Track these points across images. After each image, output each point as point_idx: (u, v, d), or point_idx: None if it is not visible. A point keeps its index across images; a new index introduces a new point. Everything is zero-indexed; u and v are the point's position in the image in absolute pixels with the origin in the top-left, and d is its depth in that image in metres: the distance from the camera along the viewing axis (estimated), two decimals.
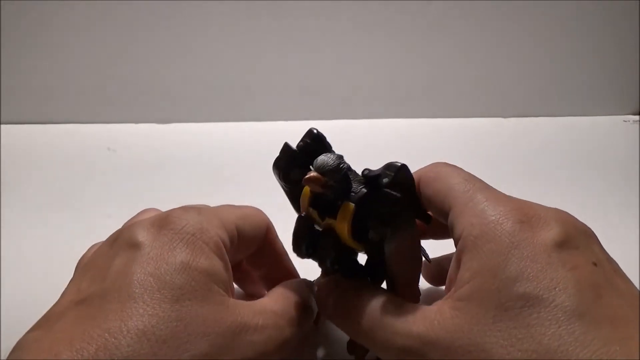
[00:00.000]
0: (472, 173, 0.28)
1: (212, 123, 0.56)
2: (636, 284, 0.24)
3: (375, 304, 0.26)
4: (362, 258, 0.29)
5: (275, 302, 0.28)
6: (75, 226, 0.44)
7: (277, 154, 0.29)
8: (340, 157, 0.26)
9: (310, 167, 0.26)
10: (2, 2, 0.51)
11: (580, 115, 0.58)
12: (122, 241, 0.25)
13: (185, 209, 0.27)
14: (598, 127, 0.57)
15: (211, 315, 0.23)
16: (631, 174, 0.51)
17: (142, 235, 0.25)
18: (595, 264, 0.23)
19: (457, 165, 0.29)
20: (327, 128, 0.59)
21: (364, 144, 0.54)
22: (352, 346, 0.31)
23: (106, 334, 0.21)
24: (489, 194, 0.26)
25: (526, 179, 0.50)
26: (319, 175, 0.25)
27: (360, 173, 0.27)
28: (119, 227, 0.28)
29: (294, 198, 0.29)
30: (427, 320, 0.24)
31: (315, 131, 0.28)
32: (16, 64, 0.54)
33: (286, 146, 0.29)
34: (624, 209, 0.46)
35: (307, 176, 0.25)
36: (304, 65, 0.56)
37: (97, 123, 0.56)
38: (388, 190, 0.25)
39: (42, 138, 0.54)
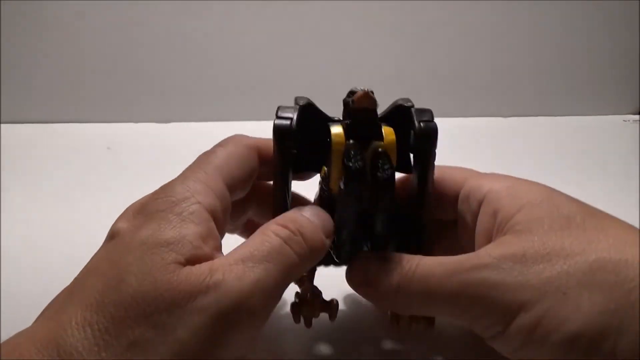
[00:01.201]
0: None
1: (212, 123, 0.56)
2: None
3: (425, 259, 0.25)
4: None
5: (245, 244, 0.24)
6: (75, 226, 0.44)
7: (274, 137, 0.27)
8: None
9: (353, 90, 0.27)
10: (2, 2, 0.51)
11: (580, 115, 0.58)
12: (108, 233, 0.25)
13: (162, 188, 0.26)
14: (598, 127, 0.57)
15: (153, 291, 0.21)
16: (631, 173, 0.51)
17: (119, 224, 0.25)
18: None
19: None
20: None
21: None
22: (396, 320, 0.29)
23: (58, 327, 0.21)
24: (502, 174, 0.29)
25: (526, 179, 0.49)
26: (369, 90, 0.26)
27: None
28: None
29: (288, 183, 0.28)
30: (490, 246, 0.25)
31: (304, 98, 0.28)
32: (16, 64, 0.54)
33: (281, 128, 0.27)
34: (623, 208, 0.46)
35: (361, 94, 0.26)
36: (304, 65, 0.56)
37: (97, 123, 0.56)
38: (421, 108, 0.27)
39: (42, 138, 0.54)
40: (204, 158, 0.27)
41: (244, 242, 0.25)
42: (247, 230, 0.33)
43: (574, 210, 0.25)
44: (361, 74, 0.57)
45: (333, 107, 0.62)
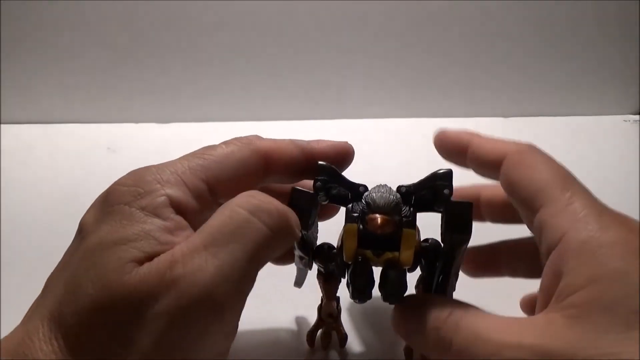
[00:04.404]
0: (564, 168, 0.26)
1: (212, 123, 0.56)
2: None
3: (471, 318, 0.23)
4: None
5: (208, 224, 0.22)
6: (75, 227, 0.44)
7: (289, 204, 0.26)
8: (389, 188, 0.26)
9: (357, 206, 0.26)
10: (2, 2, 0.51)
11: (580, 115, 0.58)
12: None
13: (135, 172, 0.24)
14: (598, 127, 0.57)
15: (108, 299, 0.20)
16: (631, 174, 0.50)
17: (85, 217, 0.24)
18: None
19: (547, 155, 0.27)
20: (328, 128, 0.59)
21: (364, 144, 0.54)
22: (409, 351, 0.31)
23: (25, 336, 0.21)
24: (589, 201, 0.24)
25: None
26: (388, 217, 0.24)
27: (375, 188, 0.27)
28: None
29: (305, 241, 0.28)
30: (538, 330, 0.21)
31: (326, 164, 0.27)
32: (16, 64, 0.54)
33: (299, 193, 0.26)
34: (623, 209, 0.46)
35: (378, 222, 0.24)
36: (304, 65, 0.56)
37: (97, 123, 0.56)
38: (458, 200, 0.26)
39: (42, 138, 0.54)
40: (199, 152, 0.26)
41: (207, 221, 0.22)
42: None
43: None
44: (361, 74, 0.57)
45: (333, 107, 0.62)
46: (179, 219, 0.22)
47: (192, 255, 0.20)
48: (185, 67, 0.55)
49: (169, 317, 0.19)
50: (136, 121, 0.56)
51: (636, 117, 0.58)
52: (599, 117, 0.58)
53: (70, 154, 0.52)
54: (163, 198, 0.22)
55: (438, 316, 0.24)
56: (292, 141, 0.27)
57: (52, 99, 0.56)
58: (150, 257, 0.21)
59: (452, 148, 0.28)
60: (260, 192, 0.23)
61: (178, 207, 0.23)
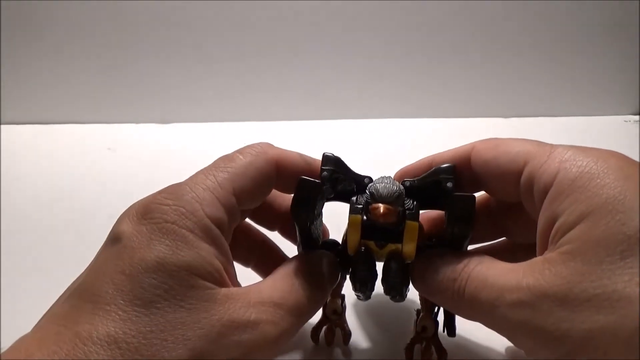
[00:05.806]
0: None
1: (212, 123, 0.56)
2: None
3: (482, 267, 0.24)
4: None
5: (275, 286, 0.25)
6: (75, 227, 0.44)
7: (295, 194, 0.26)
8: (392, 179, 0.26)
9: (361, 198, 0.26)
10: (2, 2, 0.51)
11: (580, 115, 0.58)
12: (110, 233, 0.24)
13: (170, 191, 0.25)
14: (598, 127, 0.57)
15: (191, 316, 0.22)
16: None
17: (124, 227, 0.24)
18: None
19: None
20: (328, 128, 0.59)
21: (363, 144, 0.54)
22: (410, 350, 0.31)
23: (76, 339, 0.20)
24: (570, 145, 0.24)
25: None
26: (391, 207, 0.25)
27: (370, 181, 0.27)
28: None
29: (310, 234, 0.28)
30: (536, 270, 0.21)
31: (332, 155, 0.27)
32: (16, 64, 0.54)
33: (305, 182, 0.26)
34: None
35: (380, 211, 0.25)
36: (304, 65, 0.56)
37: (97, 123, 0.56)
38: (462, 194, 0.26)
39: (42, 138, 0.54)
40: (220, 163, 0.27)
41: (272, 279, 0.26)
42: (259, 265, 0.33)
43: None
44: (361, 74, 0.57)
45: (333, 107, 0.62)
46: (221, 240, 0.25)
47: (265, 307, 0.24)
48: (186, 68, 0.55)
49: (243, 349, 0.23)
50: (136, 121, 0.56)
51: (636, 117, 0.58)
52: (599, 117, 0.58)
53: (70, 154, 0.52)
54: (205, 220, 0.24)
55: (454, 268, 0.25)
56: (299, 154, 0.28)
57: (52, 99, 0.56)
58: (211, 282, 0.23)
59: (420, 173, 0.28)
60: (319, 275, 0.27)
61: (217, 225, 0.24)
